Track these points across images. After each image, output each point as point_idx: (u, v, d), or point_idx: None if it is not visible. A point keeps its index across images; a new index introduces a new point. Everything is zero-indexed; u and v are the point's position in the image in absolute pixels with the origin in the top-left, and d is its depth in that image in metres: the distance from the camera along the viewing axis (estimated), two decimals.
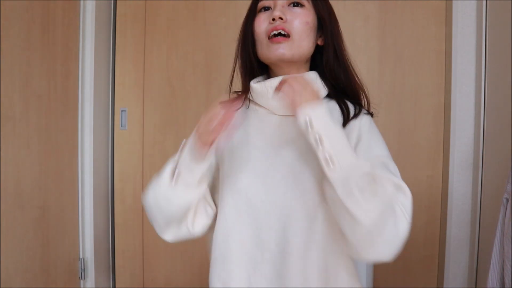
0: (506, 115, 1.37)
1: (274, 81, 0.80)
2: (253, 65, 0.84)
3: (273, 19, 0.77)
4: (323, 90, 0.84)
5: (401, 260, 1.74)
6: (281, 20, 0.77)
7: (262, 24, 0.80)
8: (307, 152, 0.76)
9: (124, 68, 1.91)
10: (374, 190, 0.64)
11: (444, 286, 1.66)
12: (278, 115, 0.82)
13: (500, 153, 1.40)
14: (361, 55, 1.74)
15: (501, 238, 1.12)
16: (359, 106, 0.84)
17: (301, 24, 0.78)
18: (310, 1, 0.81)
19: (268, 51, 0.79)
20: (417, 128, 1.73)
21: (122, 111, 1.91)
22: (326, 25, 0.82)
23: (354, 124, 0.79)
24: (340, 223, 0.68)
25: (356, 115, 0.81)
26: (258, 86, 0.82)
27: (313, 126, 0.67)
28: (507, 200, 1.12)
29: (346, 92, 0.86)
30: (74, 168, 1.76)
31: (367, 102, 0.87)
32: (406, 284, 1.75)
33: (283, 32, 0.77)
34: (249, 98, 0.86)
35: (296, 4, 0.80)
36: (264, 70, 0.87)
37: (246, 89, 0.85)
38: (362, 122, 0.80)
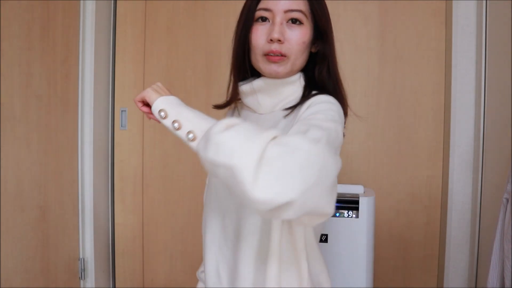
0: (506, 115, 1.37)
1: (256, 83, 0.82)
2: (247, 71, 0.85)
3: (271, 40, 0.77)
4: (299, 90, 0.82)
5: (401, 260, 1.75)
6: (279, 42, 0.77)
7: (259, 38, 0.79)
8: None
9: (124, 68, 1.91)
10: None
11: (444, 286, 1.66)
12: (259, 113, 0.84)
13: (500, 153, 1.40)
14: (361, 55, 1.74)
15: (501, 238, 1.12)
16: (322, 92, 0.79)
17: (298, 45, 0.78)
18: (309, 15, 0.79)
19: (263, 67, 0.80)
20: (417, 128, 1.73)
21: (122, 111, 1.91)
22: (326, 37, 0.82)
23: (309, 99, 0.76)
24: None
25: (313, 95, 0.78)
26: (243, 88, 0.84)
27: (168, 114, 0.69)
28: (507, 200, 1.12)
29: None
30: (74, 168, 1.76)
31: (345, 107, 0.83)
32: (406, 284, 1.75)
33: (279, 55, 0.78)
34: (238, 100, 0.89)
35: (295, 21, 0.78)
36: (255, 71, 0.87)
37: (236, 94, 0.87)
38: (318, 97, 0.76)
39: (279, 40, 0.76)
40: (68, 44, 1.70)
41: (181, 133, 0.66)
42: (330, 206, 0.55)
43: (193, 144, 0.65)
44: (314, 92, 0.80)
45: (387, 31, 1.74)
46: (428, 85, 1.72)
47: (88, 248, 1.80)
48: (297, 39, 0.78)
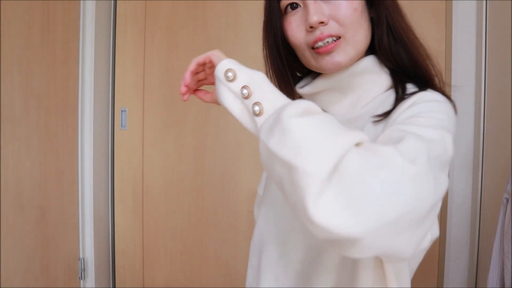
0: (506, 115, 1.37)
1: (316, 85, 0.66)
2: (293, 74, 0.71)
3: (311, 27, 0.59)
4: (383, 79, 0.64)
5: None
6: (322, 24, 0.59)
7: (296, 32, 0.62)
8: None
9: (124, 68, 1.91)
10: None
11: (444, 286, 1.66)
12: (332, 113, 0.67)
13: (500, 153, 1.40)
14: None
15: (501, 238, 1.12)
16: (421, 86, 0.63)
17: (349, 16, 0.59)
18: None
19: (318, 63, 0.62)
20: None
21: (122, 111, 1.91)
22: None
23: (408, 100, 0.59)
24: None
25: (411, 93, 0.60)
26: (303, 91, 0.68)
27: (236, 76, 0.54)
28: (507, 200, 1.12)
29: (409, 74, 0.66)
30: (74, 168, 1.76)
31: (438, 78, 0.68)
32: None
33: (331, 40, 0.60)
34: None
35: None
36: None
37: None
38: (420, 95, 0.59)
39: (322, 23, 0.59)
40: (68, 44, 1.70)
41: (248, 103, 0.51)
42: (409, 247, 0.40)
43: (259, 120, 0.50)
44: (411, 89, 0.62)
45: None
46: None
47: (88, 248, 1.80)
48: (344, 9, 0.59)
